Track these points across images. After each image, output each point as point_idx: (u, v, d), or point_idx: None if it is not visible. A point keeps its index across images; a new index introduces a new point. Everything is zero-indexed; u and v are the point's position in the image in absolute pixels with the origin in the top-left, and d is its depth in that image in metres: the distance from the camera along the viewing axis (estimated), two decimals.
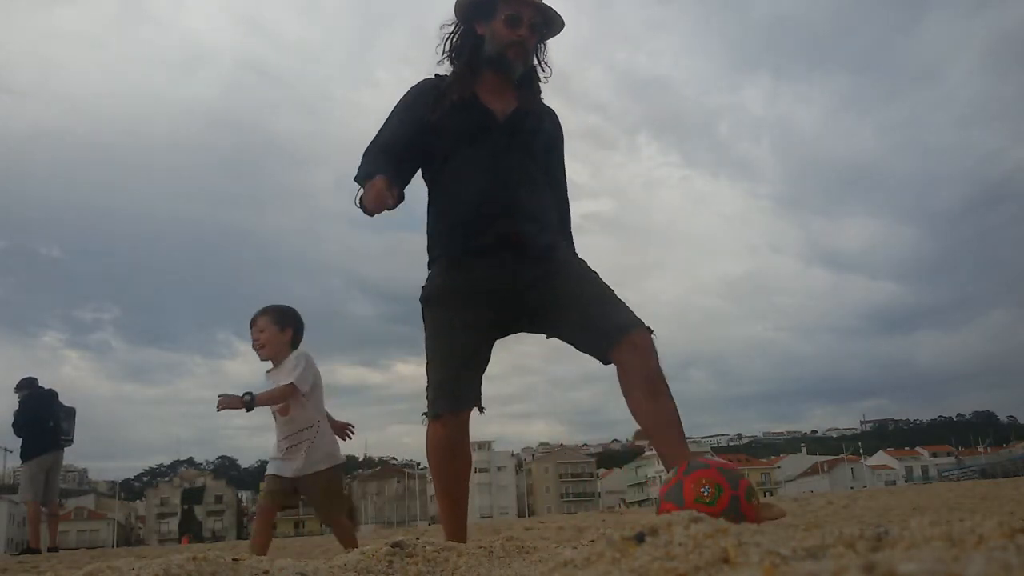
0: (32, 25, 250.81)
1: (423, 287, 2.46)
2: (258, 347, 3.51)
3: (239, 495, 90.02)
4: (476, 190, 2.36)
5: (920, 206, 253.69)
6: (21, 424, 7.79)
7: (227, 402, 3.31)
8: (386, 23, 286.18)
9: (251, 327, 3.56)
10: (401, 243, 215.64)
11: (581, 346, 2.33)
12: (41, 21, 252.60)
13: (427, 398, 2.41)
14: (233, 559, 1.58)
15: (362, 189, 2.31)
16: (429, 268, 2.49)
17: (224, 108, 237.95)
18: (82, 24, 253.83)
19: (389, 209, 2.29)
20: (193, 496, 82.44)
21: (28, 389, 7.92)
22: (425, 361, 2.42)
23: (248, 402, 3.31)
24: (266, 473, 3.59)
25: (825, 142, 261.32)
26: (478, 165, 2.38)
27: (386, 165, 2.33)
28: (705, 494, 2.15)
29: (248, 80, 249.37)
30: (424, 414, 2.42)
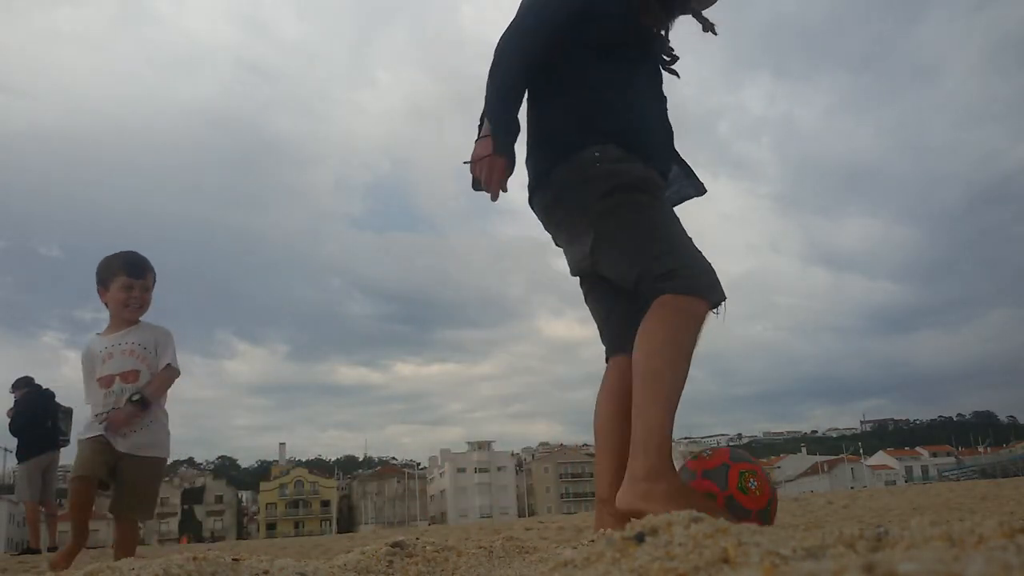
0: (32, 25, 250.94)
1: (612, 171, 2.00)
2: (137, 307, 3.12)
3: (239, 495, 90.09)
4: (649, 108, 2.14)
5: (920, 206, 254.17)
6: (18, 424, 7.77)
7: (123, 418, 2.96)
8: (385, 23, 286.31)
9: (135, 278, 3.13)
10: (401, 243, 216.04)
11: (627, 322, 2.07)
12: (41, 21, 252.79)
13: (685, 274, 1.88)
14: (233, 559, 1.58)
15: (482, 139, 2.01)
16: (577, 150, 2.04)
17: (224, 108, 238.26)
18: (82, 24, 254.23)
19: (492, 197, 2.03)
20: (193, 496, 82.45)
21: (25, 389, 7.90)
22: (659, 236, 1.96)
23: (139, 401, 2.98)
24: (84, 436, 3.03)
25: (825, 142, 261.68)
26: (644, 83, 2.14)
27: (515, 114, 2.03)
28: (752, 487, 2.17)
29: (248, 80, 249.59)
30: (695, 294, 1.87)
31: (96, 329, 3.26)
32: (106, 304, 3.17)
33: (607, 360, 2.13)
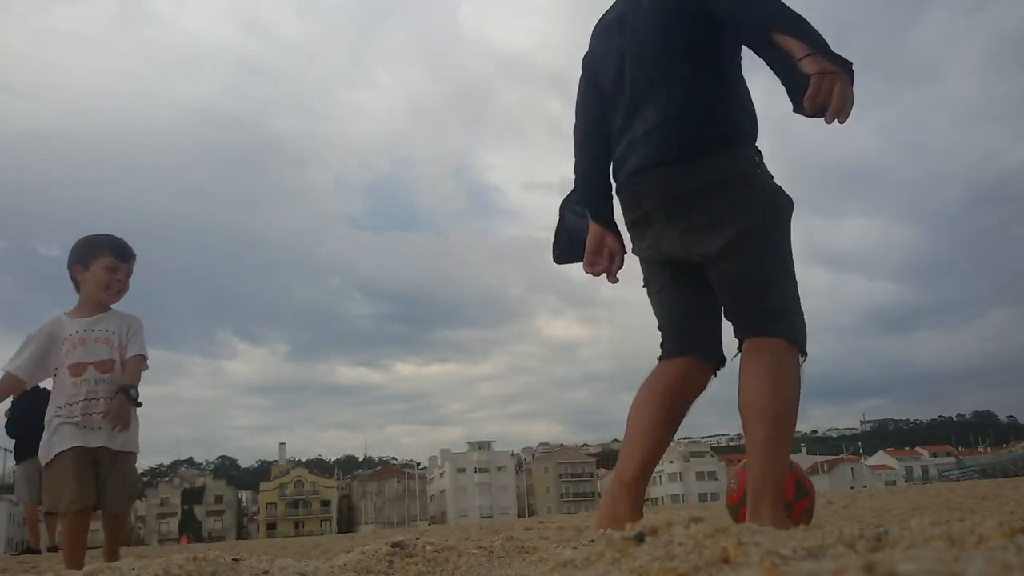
0: (32, 25, 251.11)
1: (774, 188, 1.98)
2: (117, 291, 3.01)
3: (239, 495, 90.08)
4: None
5: (920, 206, 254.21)
6: (15, 424, 7.76)
7: (127, 415, 2.86)
8: (385, 23, 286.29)
9: (121, 261, 3.01)
10: (401, 243, 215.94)
11: (704, 326, 2.10)
12: (41, 21, 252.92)
13: (797, 324, 1.92)
14: (233, 559, 1.58)
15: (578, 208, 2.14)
16: (736, 143, 1.95)
17: (224, 108, 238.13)
18: (81, 24, 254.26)
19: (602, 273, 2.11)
20: (193, 496, 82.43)
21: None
22: (786, 268, 1.96)
23: (135, 398, 2.89)
24: (63, 449, 2.82)
25: (824, 142, 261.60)
26: None
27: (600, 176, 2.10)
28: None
29: (248, 80, 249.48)
30: (800, 346, 1.91)
31: None
32: (77, 283, 3.01)
33: (664, 358, 2.07)
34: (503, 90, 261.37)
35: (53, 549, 7.96)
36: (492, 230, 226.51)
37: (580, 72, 2.25)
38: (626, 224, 2.09)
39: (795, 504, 2.26)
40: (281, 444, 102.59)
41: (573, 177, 2.24)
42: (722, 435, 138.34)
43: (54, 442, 2.86)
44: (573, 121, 2.25)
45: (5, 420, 7.79)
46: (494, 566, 2.22)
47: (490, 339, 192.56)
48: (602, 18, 2.22)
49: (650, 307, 2.12)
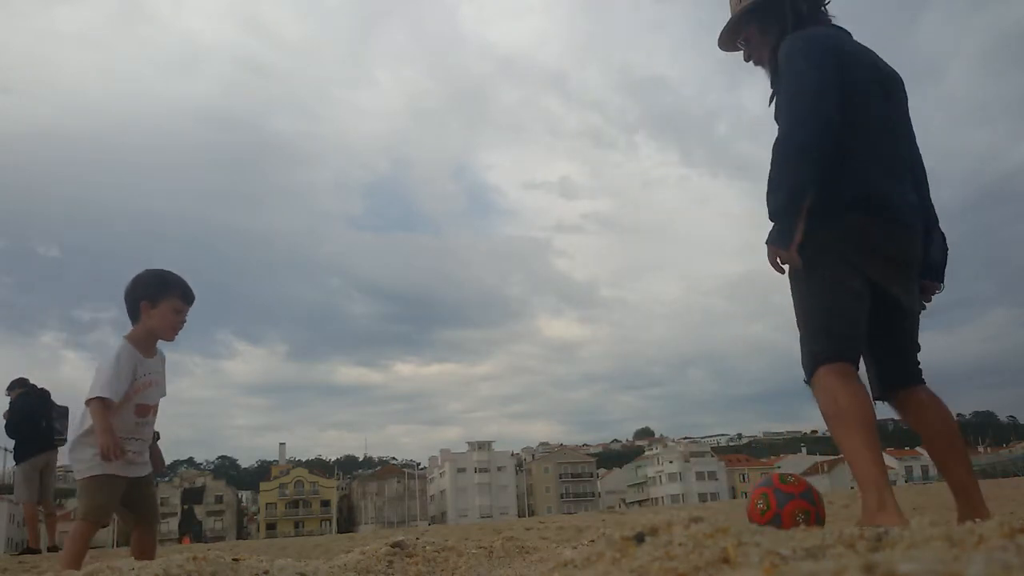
0: (31, 25, 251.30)
1: None
2: (178, 332, 3.11)
3: (239, 495, 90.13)
4: None
5: None
6: (13, 425, 7.76)
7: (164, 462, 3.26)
8: (385, 23, 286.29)
9: (187, 304, 3.09)
10: (401, 243, 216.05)
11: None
12: (40, 21, 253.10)
13: None
14: (233, 559, 1.58)
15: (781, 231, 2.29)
16: None
17: (223, 107, 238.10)
18: (80, 24, 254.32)
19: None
20: (193, 496, 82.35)
21: (20, 389, 7.87)
22: None
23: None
24: (110, 472, 2.93)
25: None
26: None
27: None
28: (799, 520, 2.56)
29: (247, 80, 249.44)
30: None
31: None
32: (137, 315, 3.02)
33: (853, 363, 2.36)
34: (503, 90, 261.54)
35: (53, 549, 7.96)
36: (492, 230, 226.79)
37: (835, 61, 2.40)
38: (872, 235, 2.35)
39: None
40: (281, 444, 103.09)
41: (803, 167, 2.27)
42: (722, 435, 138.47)
43: (100, 464, 2.92)
44: (829, 114, 2.25)
45: (5, 421, 7.81)
46: (494, 566, 2.22)
47: (490, 339, 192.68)
48: (851, 49, 2.53)
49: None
